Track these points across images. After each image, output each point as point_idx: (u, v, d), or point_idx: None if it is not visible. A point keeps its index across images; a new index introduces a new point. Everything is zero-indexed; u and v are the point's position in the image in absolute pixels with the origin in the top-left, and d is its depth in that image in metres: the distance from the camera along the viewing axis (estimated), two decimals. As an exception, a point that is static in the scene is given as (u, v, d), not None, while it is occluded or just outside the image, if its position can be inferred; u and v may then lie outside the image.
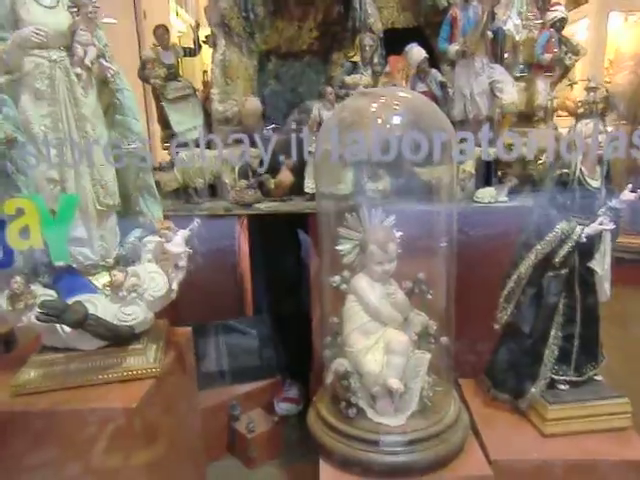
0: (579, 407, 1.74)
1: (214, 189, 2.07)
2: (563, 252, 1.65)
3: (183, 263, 1.50)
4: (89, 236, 1.40)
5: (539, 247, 1.67)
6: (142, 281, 1.46)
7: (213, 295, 2.46)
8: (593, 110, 1.61)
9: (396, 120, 1.50)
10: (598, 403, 1.75)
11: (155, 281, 1.49)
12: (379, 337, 1.66)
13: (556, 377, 1.77)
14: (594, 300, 1.76)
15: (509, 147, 1.51)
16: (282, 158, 1.88)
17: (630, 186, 1.73)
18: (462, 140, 1.46)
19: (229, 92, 2.16)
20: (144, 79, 2.12)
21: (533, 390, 1.77)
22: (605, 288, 1.68)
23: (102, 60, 1.33)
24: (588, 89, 1.63)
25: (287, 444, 2.27)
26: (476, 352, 2.10)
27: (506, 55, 2.07)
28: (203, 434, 2.13)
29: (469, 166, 1.94)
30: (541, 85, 1.96)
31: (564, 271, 1.68)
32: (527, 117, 2.04)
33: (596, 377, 1.84)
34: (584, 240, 1.63)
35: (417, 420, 1.63)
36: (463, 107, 1.99)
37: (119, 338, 1.43)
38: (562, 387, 1.78)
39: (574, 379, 1.78)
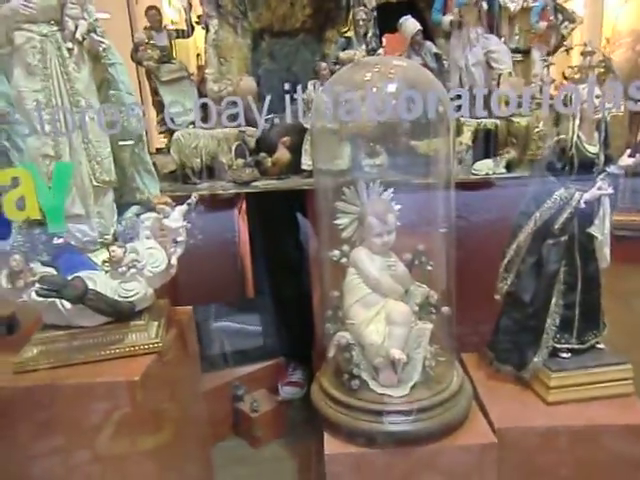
0: (582, 374, 1.74)
1: (212, 169, 2.07)
2: (562, 219, 1.65)
3: (182, 238, 1.50)
4: (86, 212, 1.40)
5: (538, 215, 1.66)
6: (141, 257, 1.46)
7: (214, 277, 2.47)
8: (589, 75, 1.60)
9: (391, 88, 1.48)
10: (601, 370, 1.75)
11: (154, 257, 1.49)
12: (380, 309, 1.66)
13: (558, 345, 1.77)
14: (595, 267, 1.75)
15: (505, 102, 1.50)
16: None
17: (629, 151, 1.72)
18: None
19: (223, 72, 2.15)
20: (137, 61, 2.12)
21: (535, 359, 1.77)
22: (605, 253, 1.68)
23: (93, 34, 1.32)
24: (584, 53, 1.62)
25: (292, 424, 2.29)
26: (479, 326, 2.10)
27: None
28: (208, 415, 2.14)
29: (466, 138, 1.93)
30: (536, 54, 1.95)
31: (564, 238, 1.68)
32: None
33: (598, 345, 1.84)
34: (583, 206, 1.62)
35: (420, 390, 1.63)
36: (459, 79, 1.98)
37: (120, 314, 1.43)
38: (564, 355, 1.78)
39: (576, 347, 1.78)
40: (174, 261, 1.51)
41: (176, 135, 1.98)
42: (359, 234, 1.72)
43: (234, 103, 1.34)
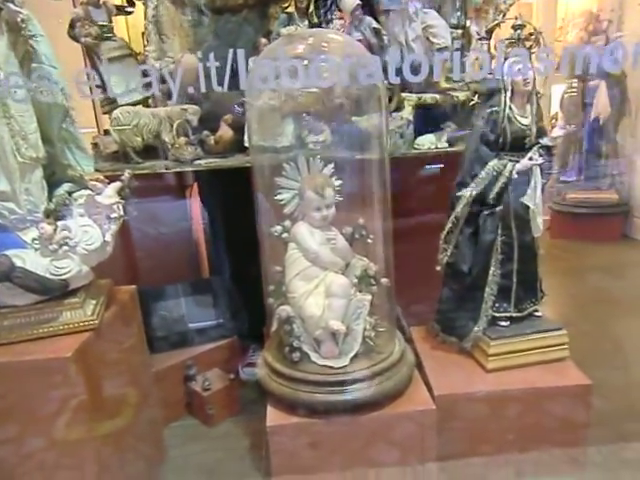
0: (519, 341, 1.80)
1: (155, 149, 2.04)
2: (496, 189, 1.69)
3: (116, 214, 1.49)
4: (12, 189, 1.37)
5: (473, 185, 1.70)
6: (74, 234, 1.44)
7: (168, 259, 2.46)
8: (520, 47, 1.63)
9: (323, 60, 1.48)
10: (537, 336, 1.81)
11: (88, 234, 1.47)
12: (320, 281, 1.68)
13: (497, 314, 1.82)
14: (531, 237, 1.80)
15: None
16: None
17: (560, 123, 1.76)
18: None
19: (165, 49, 2.12)
20: (74, 38, 2.06)
21: (475, 329, 1.82)
22: (538, 222, 1.72)
23: (10, 4, 1.28)
24: (514, 27, 1.65)
25: (246, 402, 2.30)
26: (427, 299, 2.14)
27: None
28: (161, 395, 2.14)
29: (407, 113, 1.95)
30: (474, 28, 1.98)
31: (499, 208, 1.72)
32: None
33: (537, 313, 1.90)
34: (515, 176, 1.66)
35: (361, 360, 1.66)
36: (399, 54, 1.99)
37: (51, 291, 1.41)
38: (503, 324, 1.83)
39: (514, 315, 1.83)
40: (109, 238, 1.50)
41: (115, 113, 1.95)
42: (301, 209, 1.74)
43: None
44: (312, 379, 1.61)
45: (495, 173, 1.66)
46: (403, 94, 1.97)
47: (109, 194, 1.49)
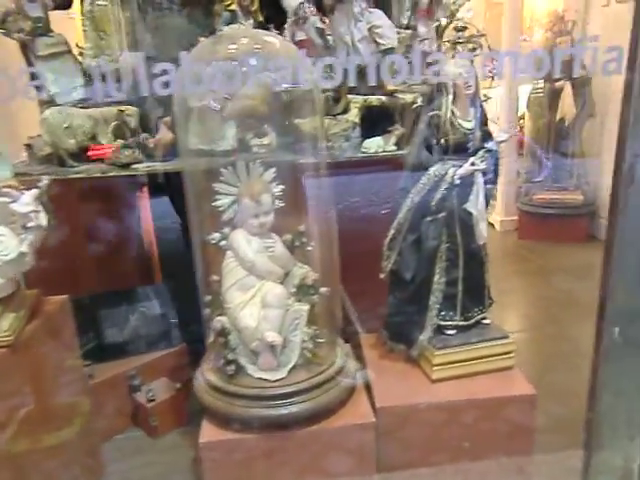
0: (465, 351, 1.76)
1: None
2: (438, 195, 1.64)
3: (33, 223, 1.40)
4: None
5: (414, 191, 1.65)
6: (-14, 245, 1.36)
7: (117, 264, 2.38)
8: (461, 50, 1.58)
9: (252, 61, 1.42)
10: (483, 345, 1.77)
11: (3, 244, 1.39)
12: (256, 291, 1.62)
13: (443, 323, 1.77)
14: (477, 243, 1.75)
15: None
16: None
17: (505, 127, 1.72)
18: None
19: (103, 47, 2.03)
20: (5, 34, 1.96)
21: (421, 337, 1.77)
22: (481, 229, 1.68)
23: None
24: (457, 28, 1.60)
25: (196, 412, 2.23)
26: (378, 307, 2.09)
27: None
28: (103, 408, 2.06)
29: (352, 115, 1.89)
30: (422, 29, 1.93)
31: (442, 215, 1.67)
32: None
33: (485, 320, 1.86)
34: (457, 182, 1.62)
35: (299, 373, 1.61)
36: (346, 55, 1.93)
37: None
38: (450, 332, 1.79)
39: (461, 324, 1.79)
40: (26, 249, 1.41)
41: (45, 114, 1.86)
42: (239, 216, 1.67)
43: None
44: (247, 393, 1.55)
45: (436, 179, 1.61)
46: (349, 96, 1.91)
47: (26, 202, 1.40)
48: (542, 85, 4.27)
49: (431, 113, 1.62)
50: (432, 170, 1.62)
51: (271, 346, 1.59)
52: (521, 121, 4.56)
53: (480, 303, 1.83)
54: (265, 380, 1.57)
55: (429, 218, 1.67)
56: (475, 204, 1.63)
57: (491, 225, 5.48)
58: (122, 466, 2.00)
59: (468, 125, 1.65)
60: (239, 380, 1.58)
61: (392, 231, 1.73)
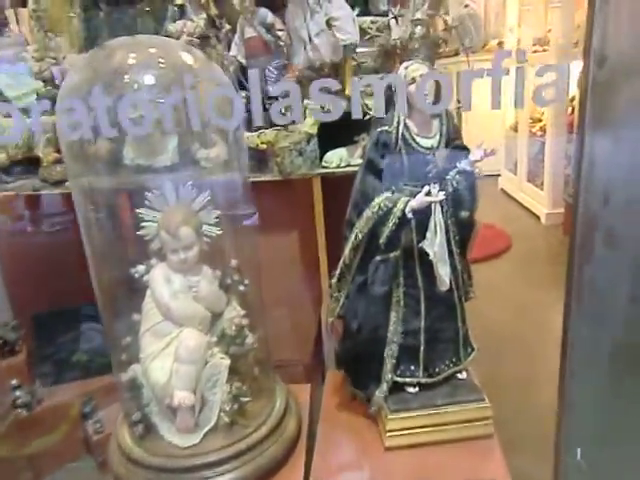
0: (427, 415, 1.45)
1: (31, 165, 1.79)
2: (387, 231, 1.32)
3: None
4: None
5: (357, 226, 1.34)
6: None
7: (68, 282, 2.23)
8: (414, 49, 1.25)
9: (149, 81, 1.17)
10: (450, 409, 1.45)
11: None
12: (172, 340, 1.39)
13: (401, 379, 1.47)
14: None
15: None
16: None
17: (481, 143, 1.37)
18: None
19: (51, 48, 1.84)
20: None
21: (377, 394, 1.48)
22: (442, 275, 1.34)
23: None
24: (413, 21, 1.27)
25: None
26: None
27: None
28: (53, 434, 1.95)
29: (307, 126, 1.60)
30: (393, 20, 1.58)
31: (393, 255, 1.35)
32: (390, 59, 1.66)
33: (459, 375, 1.54)
34: (410, 216, 1.29)
35: (217, 438, 1.37)
36: (304, 53, 1.63)
37: None
38: (411, 390, 1.49)
39: (423, 381, 1.48)
40: None
41: (-34, 126, 1.70)
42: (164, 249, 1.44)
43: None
44: (151, 462, 1.33)
45: (381, 212, 1.30)
46: (305, 102, 1.61)
47: None
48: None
49: (379, 129, 1.30)
50: (377, 201, 1.30)
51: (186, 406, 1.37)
52: (573, 102, 4.02)
53: (452, 355, 1.51)
54: (174, 446, 1.35)
55: (378, 258, 1.36)
56: (432, 243, 1.30)
57: (537, 218, 4.94)
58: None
59: (427, 143, 1.32)
60: (147, 443, 1.37)
61: (338, 270, 1.44)
